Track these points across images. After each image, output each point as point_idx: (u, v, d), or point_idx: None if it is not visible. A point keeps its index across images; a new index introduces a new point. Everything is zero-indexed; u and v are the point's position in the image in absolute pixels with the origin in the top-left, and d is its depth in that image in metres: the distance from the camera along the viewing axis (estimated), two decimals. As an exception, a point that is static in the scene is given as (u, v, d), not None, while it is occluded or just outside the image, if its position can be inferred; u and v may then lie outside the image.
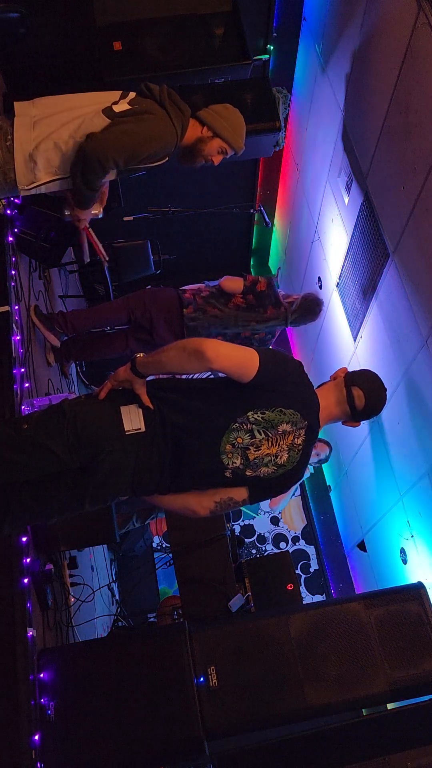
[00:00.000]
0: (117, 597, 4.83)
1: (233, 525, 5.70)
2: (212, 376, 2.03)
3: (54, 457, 1.84)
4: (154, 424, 1.87)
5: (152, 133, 2.27)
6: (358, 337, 4.27)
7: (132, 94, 2.35)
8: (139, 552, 5.30)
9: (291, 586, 3.53)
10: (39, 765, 2.38)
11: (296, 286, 5.60)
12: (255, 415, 1.88)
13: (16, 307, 3.23)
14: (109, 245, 4.76)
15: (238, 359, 1.82)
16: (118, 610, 4.61)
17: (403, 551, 4.01)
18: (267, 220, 4.91)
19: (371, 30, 3.28)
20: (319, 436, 2.06)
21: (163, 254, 5.03)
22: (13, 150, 2.24)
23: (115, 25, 4.13)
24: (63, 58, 4.00)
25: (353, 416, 2.03)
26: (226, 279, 3.77)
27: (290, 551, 5.64)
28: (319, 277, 4.97)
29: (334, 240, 4.45)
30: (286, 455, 1.93)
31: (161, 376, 2.23)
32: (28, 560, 2.65)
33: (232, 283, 3.75)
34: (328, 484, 5.73)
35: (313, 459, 4.09)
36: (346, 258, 4.24)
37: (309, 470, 4.61)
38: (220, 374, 1.86)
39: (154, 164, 2.40)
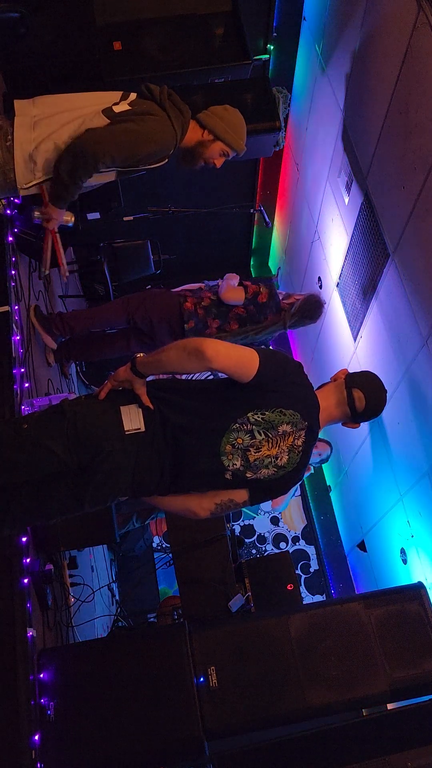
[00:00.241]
0: (117, 597, 4.82)
1: (233, 525, 5.70)
2: (212, 377, 2.03)
3: (54, 457, 1.84)
4: (154, 424, 1.87)
5: (151, 133, 2.27)
6: (358, 337, 4.27)
7: (133, 95, 2.35)
8: (139, 552, 5.30)
9: (291, 586, 3.53)
10: (39, 765, 2.38)
11: (296, 286, 5.60)
12: (255, 416, 1.88)
13: (16, 307, 3.23)
14: (109, 245, 4.76)
15: (238, 359, 1.82)
16: (118, 610, 4.61)
17: (403, 551, 4.01)
18: (267, 220, 4.91)
19: (371, 30, 3.28)
20: (318, 437, 2.07)
21: (163, 254, 5.02)
22: (12, 150, 2.23)
23: (115, 24, 4.13)
24: (63, 58, 4.00)
25: (353, 418, 2.04)
26: (227, 290, 3.70)
27: (290, 551, 5.63)
28: (319, 277, 4.97)
29: (334, 240, 4.45)
30: (287, 457, 1.93)
31: (161, 377, 2.24)
32: (28, 560, 2.66)
33: (233, 295, 3.69)
34: (328, 484, 5.73)
35: (314, 459, 4.10)
36: (346, 258, 4.24)
37: (310, 470, 4.61)
38: (221, 374, 1.86)
39: (153, 166, 2.40)
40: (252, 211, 5.54)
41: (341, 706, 2.68)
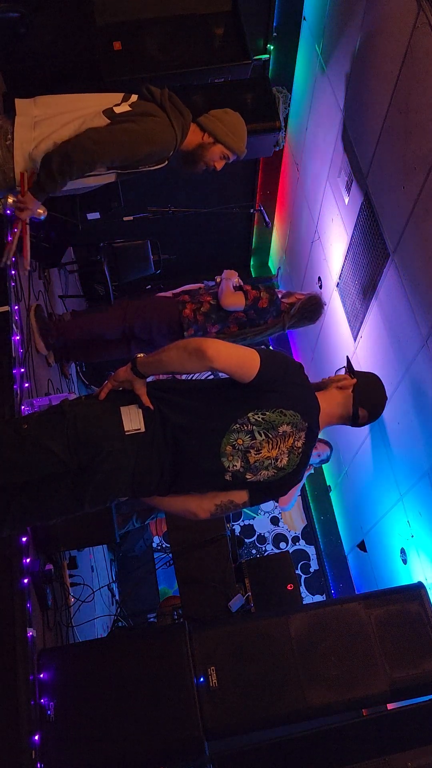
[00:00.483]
0: (117, 597, 4.82)
1: (233, 525, 5.70)
2: (212, 377, 2.03)
3: (54, 457, 1.83)
4: (154, 424, 1.87)
5: (151, 134, 2.27)
6: (358, 337, 4.27)
7: (134, 97, 2.35)
8: (139, 552, 5.30)
9: (291, 586, 3.53)
10: (39, 765, 2.38)
11: (296, 286, 5.60)
12: (255, 416, 1.88)
13: (16, 307, 3.23)
14: (109, 245, 4.76)
15: (239, 359, 1.82)
16: (118, 610, 4.60)
17: (403, 551, 4.01)
18: (267, 220, 4.91)
19: (371, 30, 3.28)
20: (318, 437, 2.07)
21: (163, 254, 5.03)
22: (12, 149, 2.23)
23: (115, 24, 4.13)
24: (63, 58, 4.00)
25: (351, 425, 2.08)
26: (227, 296, 3.63)
27: (290, 551, 5.64)
28: (319, 277, 4.97)
29: (334, 240, 4.45)
30: (287, 459, 1.93)
31: (161, 377, 2.23)
32: (28, 560, 2.66)
33: (234, 300, 3.63)
34: (328, 484, 5.73)
35: (314, 459, 4.09)
36: (346, 258, 4.24)
37: (310, 470, 4.60)
38: (221, 374, 1.86)
39: (152, 168, 2.39)
40: (252, 211, 5.54)
41: (341, 706, 2.69)
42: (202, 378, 2.87)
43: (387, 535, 4.31)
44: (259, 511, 5.96)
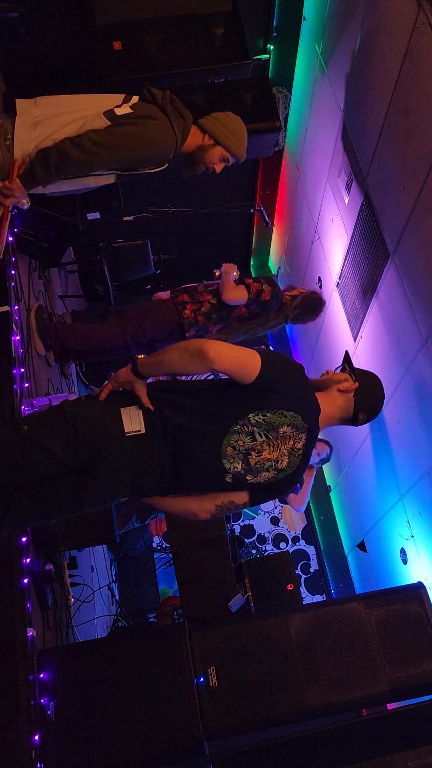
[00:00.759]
0: (117, 597, 4.82)
1: (233, 525, 5.70)
2: (213, 378, 2.03)
3: (54, 458, 1.83)
4: (154, 425, 1.87)
5: (152, 136, 2.27)
6: (358, 337, 4.27)
7: (135, 99, 2.35)
8: (139, 552, 5.30)
9: (291, 586, 3.54)
10: (39, 765, 2.38)
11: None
12: (256, 417, 1.88)
13: (16, 307, 3.23)
14: (109, 245, 4.76)
15: (240, 360, 1.81)
16: (118, 610, 4.61)
17: (403, 551, 4.02)
18: (267, 220, 4.91)
19: (371, 30, 3.28)
20: (318, 437, 2.08)
21: (163, 254, 5.02)
22: (12, 149, 2.23)
23: (115, 25, 4.13)
24: (63, 58, 4.01)
25: (350, 425, 2.11)
26: (229, 291, 3.55)
27: (290, 551, 5.64)
28: (319, 277, 4.97)
29: (334, 240, 4.45)
30: (287, 460, 1.93)
31: (162, 378, 2.23)
32: (28, 560, 2.65)
33: (236, 295, 3.55)
34: (328, 484, 5.73)
35: (314, 459, 4.09)
36: (346, 258, 4.24)
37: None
38: (222, 375, 1.86)
39: (152, 170, 2.39)
40: (252, 211, 5.54)
41: (341, 706, 2.69)
42: (203, 379, 2.87)
43: (387, 535, 4.31)
44: (259, 511, 5.96)
